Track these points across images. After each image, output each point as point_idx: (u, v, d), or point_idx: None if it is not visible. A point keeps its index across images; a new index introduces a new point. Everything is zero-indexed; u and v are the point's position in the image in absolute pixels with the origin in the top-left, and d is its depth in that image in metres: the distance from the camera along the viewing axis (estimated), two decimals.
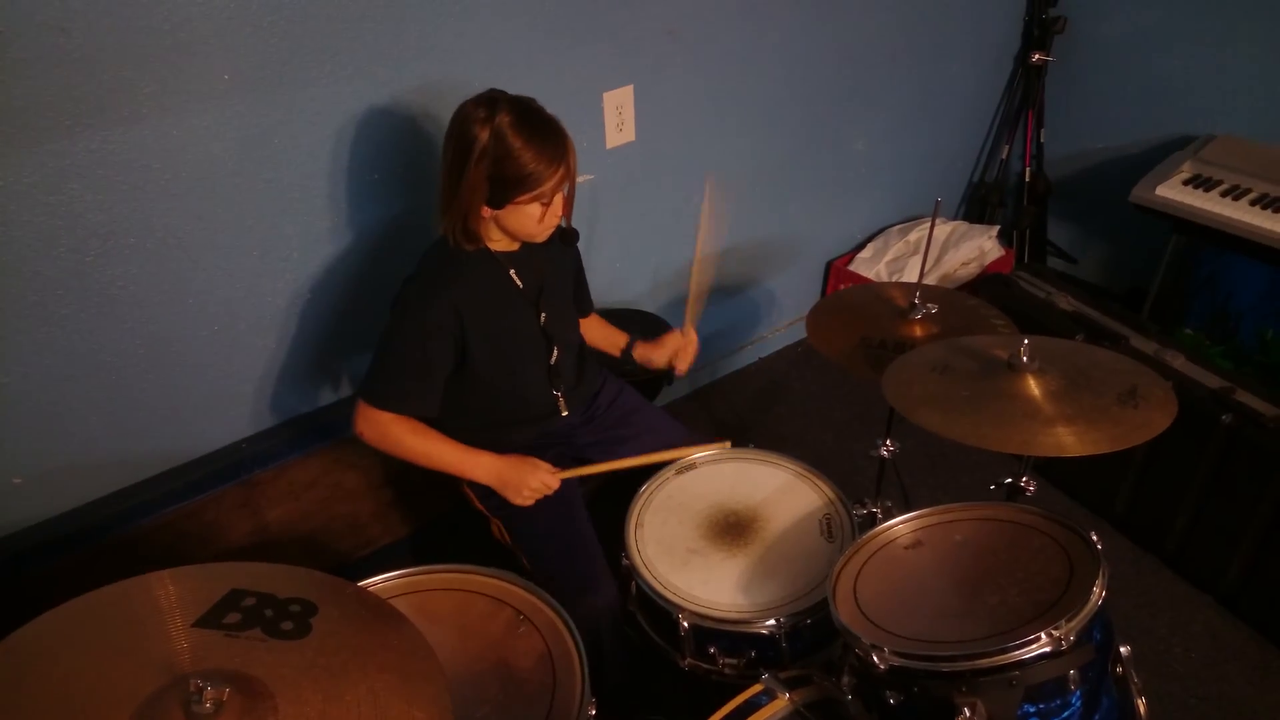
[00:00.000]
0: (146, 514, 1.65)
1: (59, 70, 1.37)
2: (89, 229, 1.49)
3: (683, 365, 1.79)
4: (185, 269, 1.62)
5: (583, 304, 1.82)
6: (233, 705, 0.88)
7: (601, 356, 1.88)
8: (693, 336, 1.78)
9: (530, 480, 1.57)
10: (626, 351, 1.85)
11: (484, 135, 1.39)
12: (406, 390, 1.52)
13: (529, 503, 1.59)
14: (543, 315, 1.61)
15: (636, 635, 1.56)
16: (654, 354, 1.80)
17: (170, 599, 1.02)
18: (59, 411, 1.59)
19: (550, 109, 1.48)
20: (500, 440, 1.65)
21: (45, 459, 1.61)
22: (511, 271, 1.57)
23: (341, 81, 1.66)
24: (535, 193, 1.43)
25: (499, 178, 1.42)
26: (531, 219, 1.47)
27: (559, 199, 1.48)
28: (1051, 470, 2.36)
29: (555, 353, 1.64)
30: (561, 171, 1.44)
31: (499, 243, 1.55)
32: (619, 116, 2.13)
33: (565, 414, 1.71)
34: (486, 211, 1.47)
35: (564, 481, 1.65)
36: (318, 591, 1.06)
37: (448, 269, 1.52)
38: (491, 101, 1.41)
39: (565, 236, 1.59)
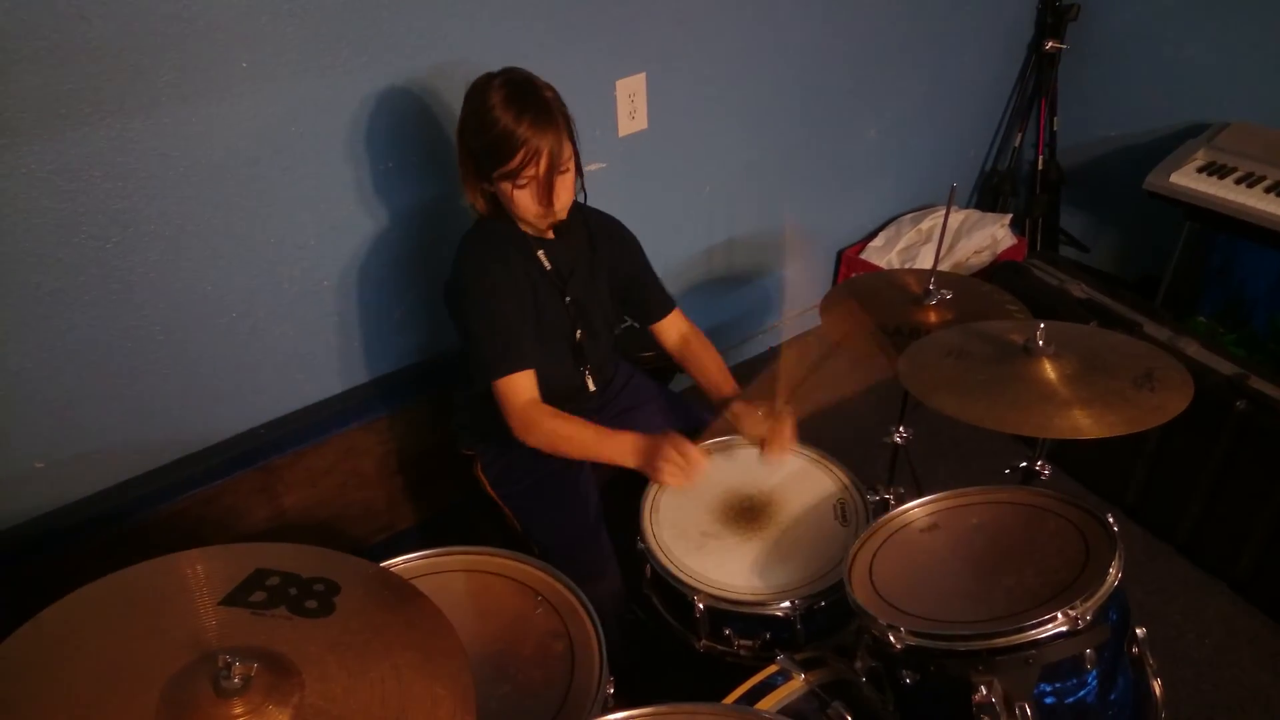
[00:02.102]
0: (165, 499, 1.67)
1: (80, 59, 1.38)
2: (109, 217, 1.51)
3: (771, 451, 1.62)
4: (203, 256, 1.64)
5: (661, 300, 1.78)
6: (260, 680, 0.89)
7: (697, 394, 1.84)
8: (786, 427, 1.62)
9: (668, 453, 1.50)
10: (724, 403, 1.71)
11: (471, 100, 1.42)
12: (507, 347, 1.49)
13: (676, 481, 1.52)
14: (567, 298, 1.62)
15: (651, 617, 1.57)
16: (745, 424, 1.66)
17: (197, 578, 1.03)
18: (79, 397, 1.60)
19: (563, 96, 1.49)
20: None
21: (65, 444, 1.62)
22: (540, 253, 1.58)
23: (356, 70, 1.66)
24: (503, 168, 1.41)
25: (473, 146, 1.44)
26: (506, 196, 1.46)
27: (535, 184, 1.44)
28: (1063, 458, 2.36)
29: (580, 334, 1.66)
30: (523, 152, 1.38)
31: (529, 226, 1.57)
32: (631, 104, 2.13)
33: (592, 389, 1.72)
34: (485, 186, 1.49)
35: (575, 468, 1.67)
36: (340, 571, 1.07)
37: (489, 245, 1.55)
38: (498, 73, 1.43)
39: (556, 228, 1.57)
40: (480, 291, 1.51)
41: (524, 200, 1.46)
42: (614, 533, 1.64)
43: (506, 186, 1.45)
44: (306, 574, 1.05)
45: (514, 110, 1.38)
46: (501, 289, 1.51)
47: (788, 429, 1.62)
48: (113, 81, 1.42)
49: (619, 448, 1.55)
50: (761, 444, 1.65)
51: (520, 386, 1.51)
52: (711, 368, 1.78)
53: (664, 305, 1.79)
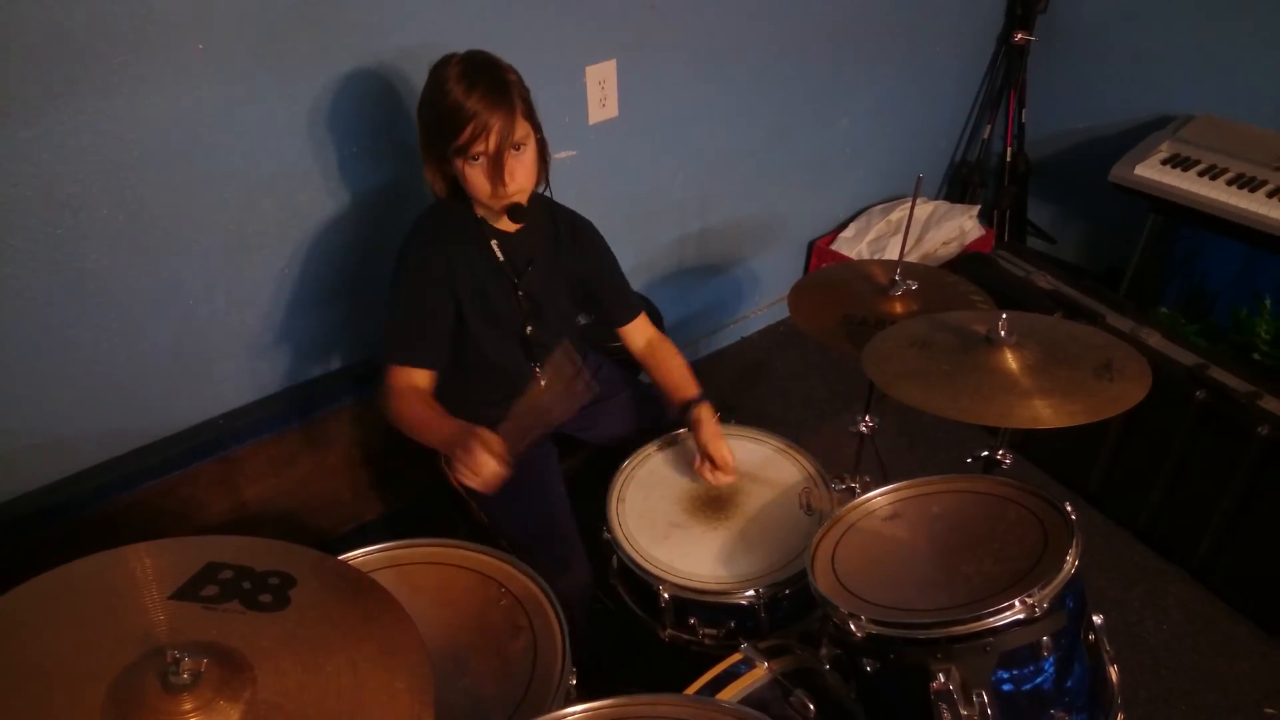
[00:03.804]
0: (121, 490, 1.64)
1: (29, 40, 1.34)
2: (60, 201, 1.47)
3: (713, 474, 1.60)
4: (159, 243, 1.60)
5: (624, 304, 1.75)
6: (211, 676, 0.87)
7: (652, 392, 1.82)
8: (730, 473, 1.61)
9: (469, 460, 1.37)
10: (686, 409, 1.67)
11: (430, 76, 1.42)
12: (412, 341, 1.52)
13: (468, 481, 1.40)
14: (520, 292, 1.60)
15: (617, 607, 1.57)
16: (701, 435, 1.62)
17: (146, 572, 1.01)
18: (32, 386, 1.56)
19: (531, 83, 1.47)
20: (484, 410, 1.65)
21: (18, 434, 1.59)
22: (494, 243, 1.56)
23: (319, 53, 1.63)
24: (454, 143, 1.39)
25: (427, 120, 1.44)
26: (461, 175, 1.45)
27: (485, 160, 1.41)
28: (1027, 446, 2.39)
29: (530, 329, 1.64)
30: (471, 126, 1.37)
31: (489, 215, 1.55)
32: (602, 91, 2.11)
33: (544, 383, 1.71)
34: (445, 168, 1.48)
35: (541, 460, 1.66)
36: (296, 564, 1.05)
37: (441, 228, 1.55)
38: (463, 52, 1.43)
39: (511, 212, 1.49)
40: (409, 277, 1.52)
41: (476, 178, 1.44)
42: (580, 522, 1.63)
43: (460, 164, 1.44)
44: (260, 567, 1.03)
45: (465, 84, 1.37)
46: (431, 285, 1.51)
47: (726, 454, 1.59)
48: (64, 63, 1.38)
49: (440, 434, 1.47)
50: (702, 455, 1.61)
51: (409, 376, 1.52)
52: (676, 371, 1.73)
53: (628, 311, 1.76)
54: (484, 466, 1.35)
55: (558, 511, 1.63)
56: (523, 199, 1.48)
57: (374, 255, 1.89)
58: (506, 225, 1.56)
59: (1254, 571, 2.00)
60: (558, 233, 1.64)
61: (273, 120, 1.63)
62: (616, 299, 1.76)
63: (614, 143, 2.21)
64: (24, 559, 1.53)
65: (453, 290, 1.53)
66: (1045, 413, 1.27)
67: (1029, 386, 1.31)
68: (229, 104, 1.57)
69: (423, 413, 1.51)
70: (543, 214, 1.62)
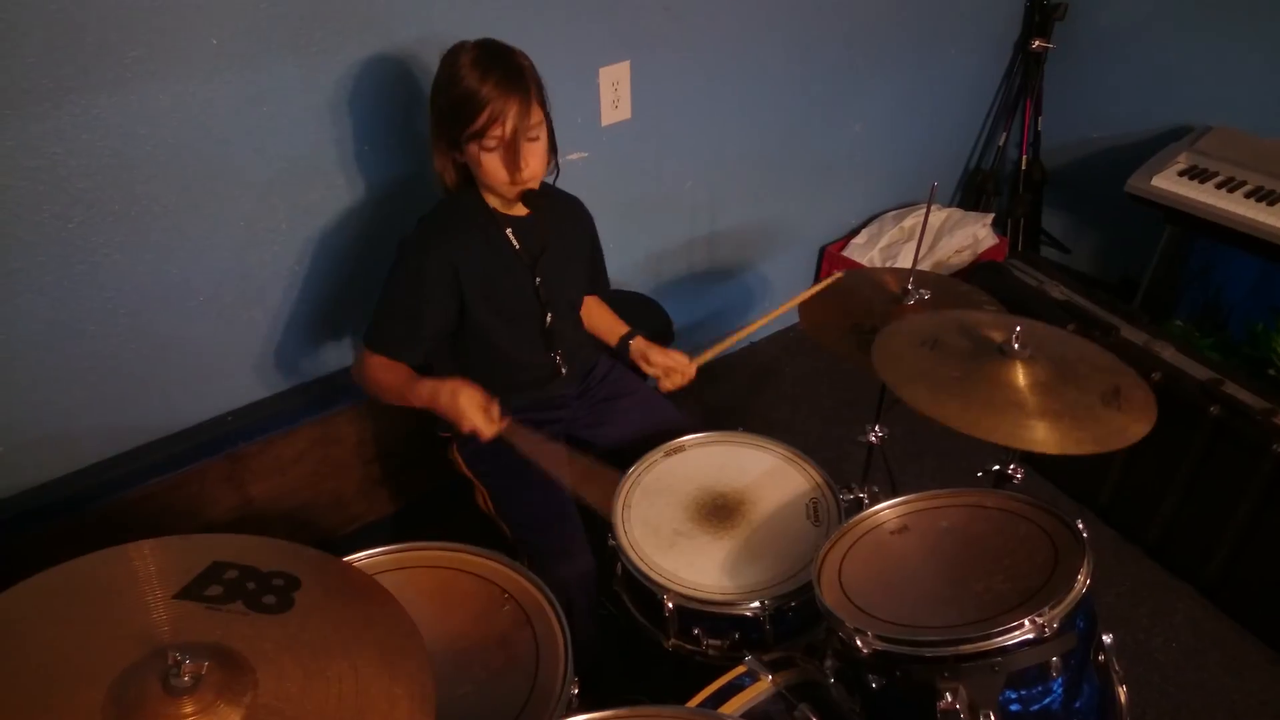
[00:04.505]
0: (128, 486, 1.64)
1: (43, 33, 1.34)
2: (73, 195, 1.47)
3: (668, 385, 1.73)
4: (170, 238, 1.60)
5: (595, 281, 1.82)
6: (212, 679, 0.87)
7: (597, 341, 1.87)
8: (691, 371, 1.73)
9: (463, 404, 1.44)
10: (624, 341, 1.79)
11: (443, 63, 1.42)
12: (395, 336, 1.54)
13: (471, 429, 1.46)
14: (538, 279, 1.60)
15: (621, 615, 1.56)
16: (652, 356, 1.74)
17: (150, 570, 1.00)
18: (40, 381, 1.56)
19: (546, 84, 1.46)
20: (501, 402, 1.65)
21: (26, 429, 1.58)
22: (509, 231, 1.56)
23: (331, 50, 1.63)
24: (469, 128, 1.39)
25: (441, 106, 1.43)
26: (475, 162, 1.45)
27: (502, 147, 1.41)
28: (1037, 459, 2.37)
29: (550, 317, 1.64)
30: (487, 111, 1.37)
31: (501, 204, 1.55)
32: (615, 93, 2.10)
33: (564, 372, 1.71)
34: (457, 156, 1.47)
35: (550, 452, 1.65)
36: (301, 566, 1.04)
37: (449, 222, 1.54)
38: (475, 40, 1.43)
39: (526, 199, 1.49)
40: (408, 276, 1.52)
41: (492, 165, 1.44)
42: (586, 525, 1.62)
43: (475, 150, 1.43)
44: (265, 567, 1.03)
45: (480, 70, 1.38)
46: (426, 285, 1.51)
47: (691, 375, 1.72)
48: (76, 57, 1.38)
49: (421, 395, 1.50)
50: (661, 377, 1.73)
51: (376, 359, 1.56)
52: (606, 315, 1.84)
53: (598, 285, 1.83)
54: (477, 419, 1.44)
55: (562, 498, 1.62)
56: (536, 185, 1.50)
57: (386, 253, 1.86)
58: (519, 210, 1.57)
59: (1264, 590, 1.98)
60: (561, 214, 1.66)
61: (285, 117, 1.63)
62: (596, 269, 1.81)
63: (626, 145, 2.20)
64: (27, 555, 1.52)
65: (453, 289, 1.54)
66: (1050, 436, 1.26)
67: (1036, 407, 1.30)
68: (242, 99, 1.57)
69: (396, 379, 1.55)
70: (546, 199, 1.62)
